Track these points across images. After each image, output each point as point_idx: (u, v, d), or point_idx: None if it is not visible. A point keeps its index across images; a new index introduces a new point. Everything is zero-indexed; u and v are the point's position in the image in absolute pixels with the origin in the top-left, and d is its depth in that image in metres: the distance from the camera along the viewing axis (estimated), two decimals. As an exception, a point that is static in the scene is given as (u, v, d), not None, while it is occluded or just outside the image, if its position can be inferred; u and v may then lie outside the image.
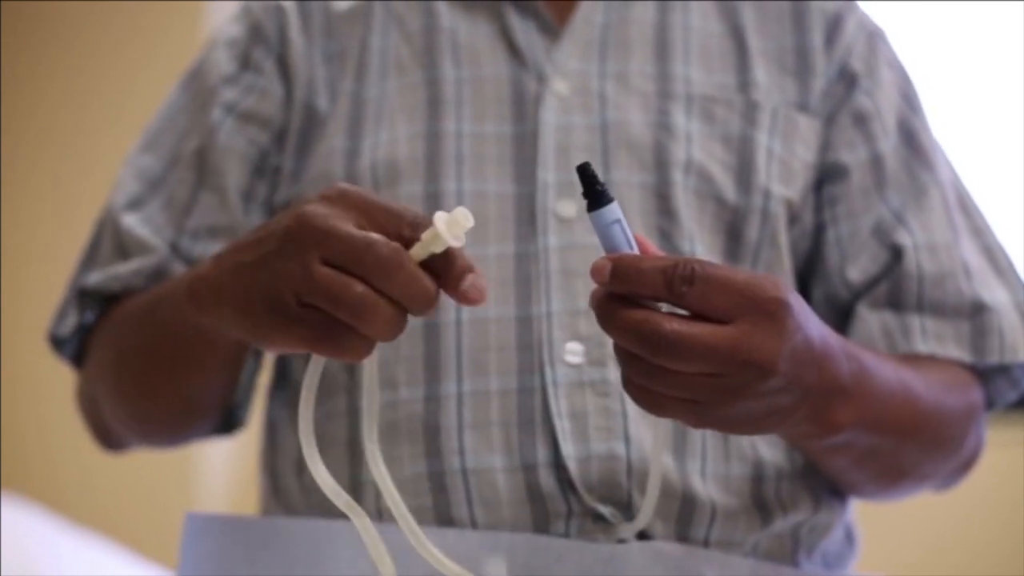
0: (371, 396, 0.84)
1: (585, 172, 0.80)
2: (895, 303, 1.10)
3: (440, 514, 1.00)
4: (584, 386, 1.01)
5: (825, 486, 1.08)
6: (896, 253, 1.10)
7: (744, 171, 1.08)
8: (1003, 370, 1.11)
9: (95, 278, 1.12)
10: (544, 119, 1.08)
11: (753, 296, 0.79)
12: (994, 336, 1.08)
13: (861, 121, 1.13)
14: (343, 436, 1.04)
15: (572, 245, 1.04)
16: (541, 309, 1.02)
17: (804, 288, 1.13)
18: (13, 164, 3.04)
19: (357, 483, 1.02)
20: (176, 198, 1.13)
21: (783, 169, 1.09)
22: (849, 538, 1.13)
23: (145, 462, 2.69)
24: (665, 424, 0.90)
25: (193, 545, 1.04)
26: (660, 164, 1.08)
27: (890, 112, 1.14)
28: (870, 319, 1.09)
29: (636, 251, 0.80)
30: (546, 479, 0.99)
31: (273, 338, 0.80)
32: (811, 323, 0.84)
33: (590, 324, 0.99)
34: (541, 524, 0.99)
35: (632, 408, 1.00)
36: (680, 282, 0.78)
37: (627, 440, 0.99)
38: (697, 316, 0.78)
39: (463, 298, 0.78)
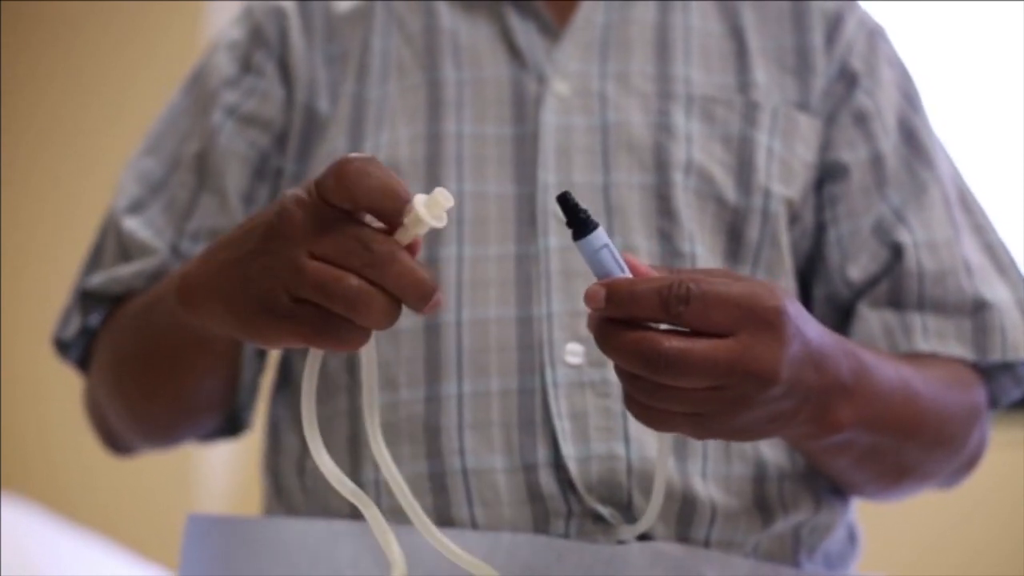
0: (370, 381, 0.84)
1: (567, 202, 0.80)
2: (896, 301, 1.09)
3: (440, 514, 1.00)
4: (584, 387, 1.01)
5: (826, 486, 1.08)
6: (896, 251, 1.10)
7: (744, 171, 1.08)
8: (1005, 368, 1.11)
9: (97, 280, 1.12)
10: (544, 120, 1.08)
11: (751, 308, 0.79)
12: (996, 334, 1.08)
13: (861, 120, 1.13)
14: (344, 436, 1.04)
15: (573, 246, 1.04)
16: (542, 310, 1.03)
17: (805, 288, 1.13)
18: (13, 164, 3.04)
19: (359, 483, 1.02)
20: (177, 201, 1.13)
21: (783, 169, 1.09)
22: (851, 538, 1.12)
23: (146, 462, 2.69)
24: (667, 436, 0.90)
25: (195, 546, 1.04)
26: (660, 165, 1.07)
27: (890, 111, 1.14)
28: (871, 318, 1.09)
29: (627, 273, 0.80)
30: (546, 479, 0.99)
31: (268, 335, 0.80)
32: (808, 325, 0.84)
33: (590, 325, 0.99)
34: (541, 524, 0.99)
35: (632, 409, 1.00)
36: (676, 302, 0.78)
37: (627, 441, 0.99)
38: (696, 332, 0.79)
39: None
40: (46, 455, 2.82)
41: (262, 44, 1.16)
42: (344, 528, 0.98)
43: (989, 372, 1.10)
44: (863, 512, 1.15)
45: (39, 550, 2.00)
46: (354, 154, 0.77)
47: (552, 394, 1.00)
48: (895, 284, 1.10)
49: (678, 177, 1.07)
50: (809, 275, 1.13)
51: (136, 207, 1.14)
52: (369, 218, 0.78)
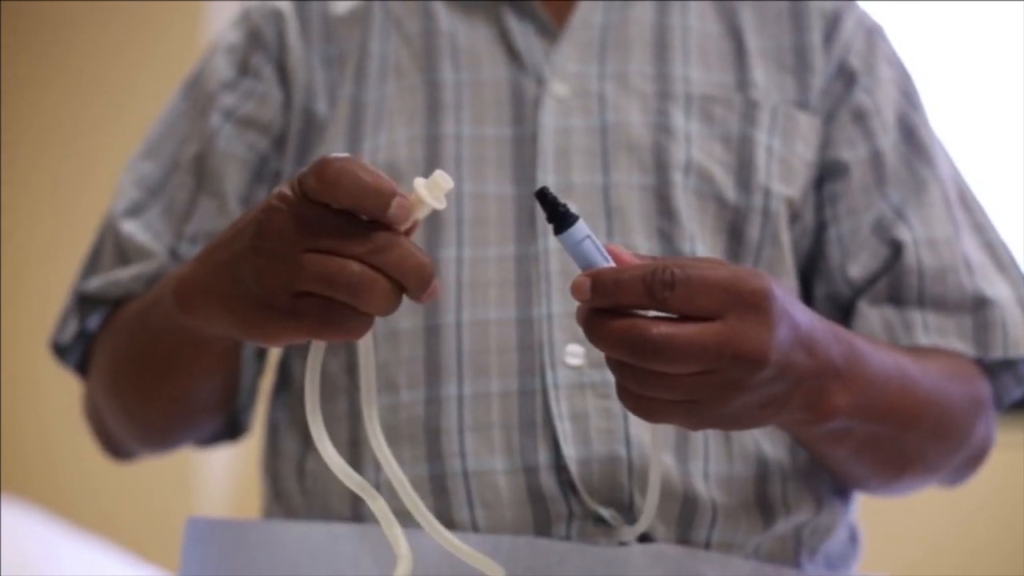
0: (369, 382, 0.84)
1: (544, 197, 0.80)
2: (896, 298, 1.09)
3: (441, 517, 0.99)
4: (585, 388, 1.01)
5: (828, 486, 1.08)
6: (896, 249, 1.10)
7: (744, 171, 1.08)
8: (1006, 366, 1.10)
9: (95, 284, 1.12)
10: (543, 122, 1.08)
11: (737, 291, 0.79)
12: (997, 330, 1.08)
13: (860, 118, 1.13)
14: (345, 439, 1.04)
15: (573, 247, 1.04)
16: (542, 311, 1.02)
17: (806, 287, 1.13)
18: (13, 165, 3.04)
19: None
20: (176, 204, 1.13)
21: (783, 168, 1.09)
22: (852, 539, 1.12)
23: (146, 465, 2.68)
24: (664, 426, 0.90)
25: (195, 550, 1.04)
26: (660, 165, 1.07)
27: (889, 108, 1.14)
28: (871, 315, 1.09)
29: (611, 263, 0.80)
30: (547, 481, 0.99)
31: (270, 333, 0.81)
32: (796, 309, 0.84)
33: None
34: (542, 526, 0.99)
35: (634, 411, 1.00)
36: (661, 287, 0.78)
37: (628, 442, 0.99)
38: (683, 317, 0.79)
39: (395, 221, 0.78)
40: (46, 457, 2.82)
41: (260, 47, 1.15)
42: (344, 530, 0.98)
43: (991, 370, 1.10)
44: (863, 512, 1.15)
45: (39, 552, 2.00)
46: (334, 155, 0.78)
47: (553, 395, 1.00)
48: (895, 281, 1.09)
49: (678, 177, 1.07)
50: (810, 274, 1.13)
51: (135, 210, 1.14)
52: None
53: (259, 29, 1.16)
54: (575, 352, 1.01)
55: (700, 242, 1.06)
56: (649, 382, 0.79)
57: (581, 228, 0.80)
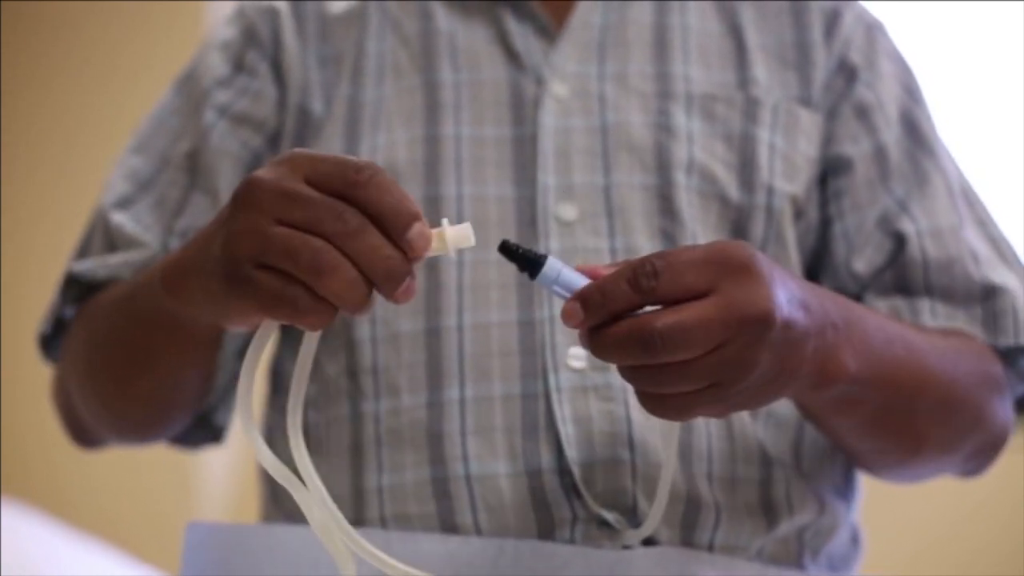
0: (302, 373, 0.82)
1: (507, 249, 0.80)
2: (902, 289, 1.09)
3: (444, 521, 0.99)
4: (588, 391, 1.00)
5: (830, 487, 1.07)
6: (899, 241, 1.10)
7: (747, 169, 1.08)
8: (1012, 363, 1.09)
9: (85, 265, 1.11)
10: (543, 122, 1.08)
11: (721, 260, 0.79)
12: (1008, 317, 1.07)
13: (863, 113, 1.13)
14: (345, 443, 1.04)
15: (574, 248, 1.04)
16: (544, 313, 1.02)
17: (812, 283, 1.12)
18: (14, 164, 3.03)
19: (360, 490, 1.02)
20: (167, 199, 1.13)
21: (786, 165, 1.09)
22: (854, 540, 1.12)
23: (146, 467, 2.69)
24: (674, 436, 0.90)
25: (195, 555, 1.03)
26: (662, 165, 1.07)
27: (892, 103, 1.14)
28: (878, 305, 1.08)
29: (589, 282, 0.80)
30: (551, 485, 0.99)
31: (230, 306, 0.80)
32: (785, 274, 0.83)
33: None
34: (546, 530, 0.98)
35: (637, 413, 1.00)
36: (647, 280, 0.78)
37: (631, 445, 0.99)
38: (677, 303, 0.78)
39: (410, 248, 0.77)
40: (46, 459, 2.81)
41: (255, 44, 1.15)
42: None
43: (1005, 359, 1.09)
44: (864, 513, 1.15)
45: (39, 554, 2.00)
46: (371, 161, 0.77)
47: (555, 399, 1.00)
48: (900, 273, 1.09)
49: (680, 177, 1.07)
50: (816, 270, 1.12)
51: (124, 203, 1.13)
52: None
53: (254, 26, 1.16)
54: (578, 355, 1.01)
55: (703, 241, 1.05)
56: (667, 378, 0.79)
57: (553, 265, 0.80)
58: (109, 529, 2.53)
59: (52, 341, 1.15)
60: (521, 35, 1.12)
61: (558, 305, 1.01)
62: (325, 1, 1.16)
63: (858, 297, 1.10)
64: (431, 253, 0.78)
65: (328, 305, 0.77)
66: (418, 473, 1.01)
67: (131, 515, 2.77)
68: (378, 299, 0.78)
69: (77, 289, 1.13)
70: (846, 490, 1.10)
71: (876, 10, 1.20)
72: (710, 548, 1.00)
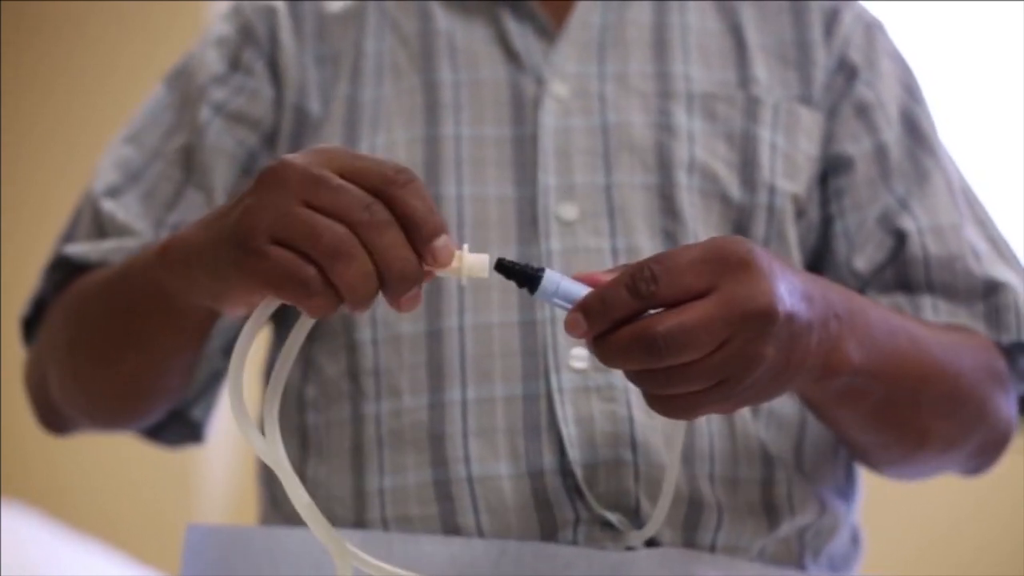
0: (284, 364, 0.81)
1: (503, 267, 0.80)
2: (904, 286, 1.09)
3: (446, 522, 0.99)
4: (590, 391, 1.00)
5: (831, 488, 1.07)
6: (900, 239, 1.09)
7: (748, 168, 1.08)
8: (1013, 362, 1.09)
9: (77, 248, 1.10)
10: (543, 122, 1.08)
11: (720, 257, 0.79)
12: (1010, 313, 1.07)
13: (863, 112, 1.13)
14: (347, 445, 1.04)
15: (575, 248, 1.04)
16: (545, 314, 1.02)
17: None
18: (14, 164, 3.03)
19: (362, 492, 1.02)
20: (158, 192, 1.12)
21: (787, 164, 1.09)
22: (854, 540, 1.12)
23: (146, 468, 2.69)
24: (679, 439, 0.90)
25: (195, 557, 1.03)
26: (663, 165, 1.07)
27: (892, 102, 1.14)
28: (880, 301, 1.08)
29: (590, 290, 0.80)
30: (553, 486, 0.98)
31: (234, 277, 0.78)
32: (784, 266, 0.83)
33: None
34: (548, 532, 0.98)
35: (639, 413, 1.00)
36: (646, 285, 0.77)
37: (634, 446, 0.99)
38: (679, 304, 0.78)
39: (432, 256, 0.77)
40: (46, 460, 2.82)
41: (252, 42, 1.15)
42: (345, 537, 0.98)
43: (1008, 355, 1.08)
44: (864, 513, 1.15)
45: (39, 556, 2.00)
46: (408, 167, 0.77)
47: (557, 399, 1.00)
48: (901, 271, 1.09)
49: (681, 176, 1.07)
50: (817, 269, 1.12)
51: (114, 192, 1.12)
52: None
53: (251, 24, 1.15)
54: (579, 355, 1.01)
55: (704, 241, 1.05)
56: (673, 379, 0.78)
57: (551, 276, 0.80)
58: (109, 530, 2.53)
59: (32, 325, 1.14)
60: (521, 35, 1.12)
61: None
62: (323, 0, 1.16)
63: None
64: (444, 272, 0.78)
65: (334, 294, 0.76)
66: (420, 475, 1.01)
67: (131, 516, 2.77)
68: (380, 301, 0.77)
69: (61, 273, 1.12)
70: (847, 490, 1.10)
71: (876, 10, 1.20)
72: (712, 549, 1.00)
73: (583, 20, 1.13)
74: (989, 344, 1.07)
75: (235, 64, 1.14)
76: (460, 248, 0.79)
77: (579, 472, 0.98)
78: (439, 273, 0.78)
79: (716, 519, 1.00)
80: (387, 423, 1.02)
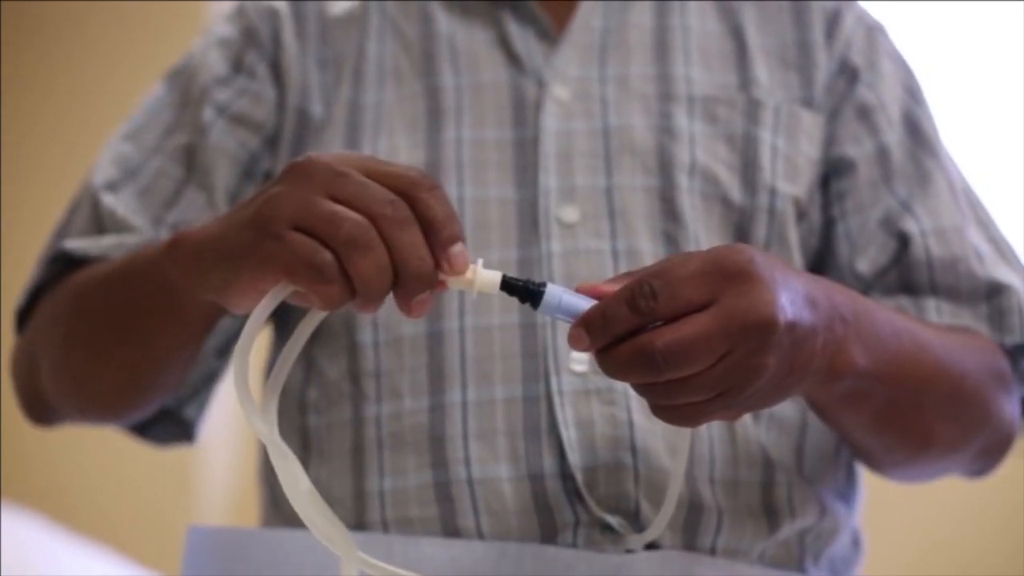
0: (290, 354, 0.82)
1: (506, 284, 0.80)
2: (908, 288, 1.09)
3: (446, 524, 0.99)
4: (590, 394, 1.00)
5: (832, 491, 1.07)
6: (903, 241, 1.09)
7: (749, 170, 1.08)
8: (1017, 363, 1.09)
9: (78, 244, 1.10)
10: (545, 125, 1.08)
11: (719, 270, 0.79)
12: (1014, 315, 1.07)
13: (865, 114, 1.13)
14: (347, 446, 1.04)
15: (575, 250, 1.04)
16: (545, 316, 1.02)
17: None
18: (15, 164, 3.04)
19: (362, 494, 1.02)
20: (156, 189, 1.12)
21: (788, 166, 1.09)
22: (855, 543, 1.12)
23: (146, 470, 2.69)
24: (684, 446, 0.90)
25: (196, 559, 1.03)
26: (664, 167, 1.07)
27: (894, 104, 1.14)
28: (883, 303, 1.08)
29: (593, 303, 0.80)
30: (553, 489, 0.98)
31: (249, 262, 0.78)
32: (786, 271, 0.83)
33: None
34: (548, 534, 0.98)
35: (639, 417, 1.00)
36: (645, 301, 0.77)
37: (634, 449, 0.99)
38: (680, 317, 0.78)
39: (448, 262, 0.77)
40: (46, 463, 2.82)
41: (254, 44, 1.15)
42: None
43: (1011, 357, 1.08)
44: (865, 516, 1.15)
45: (39, 557, 2.00)
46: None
47: (558, 402, 1.00)
48: (904, 273, 1.09)
49: (682, 179, 1.07)
50: (819, 272, 1.11)
51: (113, 187, 1.12)
52: None
53: (254, 26, 1.15)
54: (580, 358, 1.01)
55: (706, 244, 1.05)
56: (676, 391, 0.79)
57: (553, 292, 0.80)
58: (109, 532, 2.53)
59: (25, 316, 1.13)
60: (522, 38, 1.12)
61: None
62: (325, 2, 1.16)
63: None
64: (456, 283, 0.79)
65: (348, 285, 0.76)
66: (420, 477, 1.00)
67: (131, 518, 2.77)
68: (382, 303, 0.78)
69: (58, 265, 1.11)
70: (847, 493, 1.10)
71: (876, 10, 1.19)
72: (712, 552, 1.00)
73: (585, 23, 1.13)
74: (992, 346, 1.07)
75: (238, 66, 1.14)
76: (475, 262, 0.79)
77: (579, 475, 0.98)
78: (451, 284, 0.79)
79: (716, 522, 1.00)
80: (388, 425, 1.02)
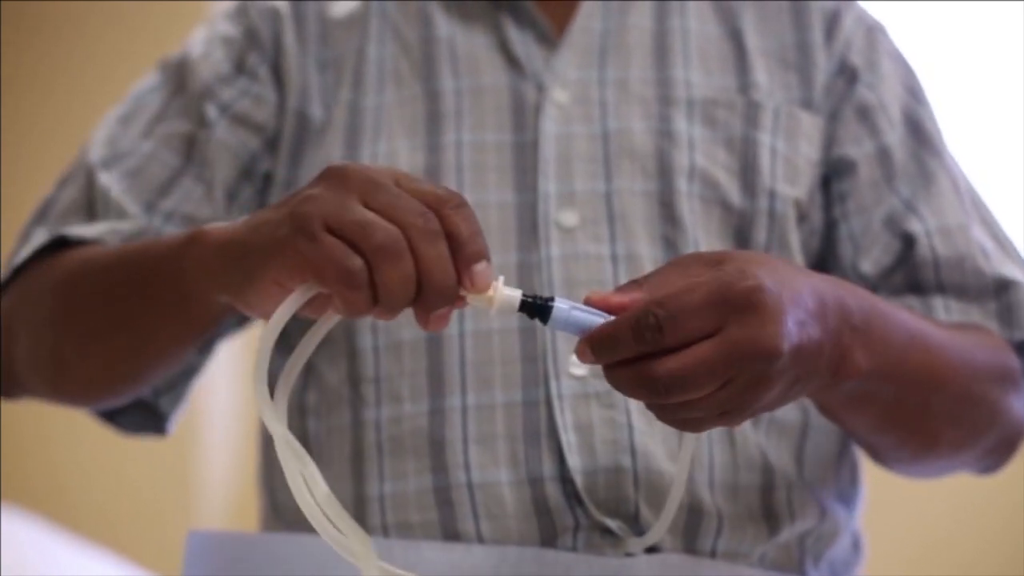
0: (298, 361, 0.83)
1: (525, 306, 0.80)
2: (915, 288, 1.09)
3: (446, 529, 0.99)
4: (589, 398, 1.00)
5: (832, 494, 1.08)
6: (908, 242, 1.09)
7: (749, 174, 1.08)
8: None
9: (75, 230, 1.08)
10: (544, 128, 1.08)
11: (725, 300, 0.78)
12: (1022, 310, 1.07)
13: (865, 115, 1.12)
14: (347, 451, 1.04)
15: (575, 255, 1.04)
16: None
17: None
18: (14, 164, 3.04)
19: (362, 498, 1.02)
20: (149, 174, 1.11)
21: (788, 168, 1.09)
22: (855, 546, 1.12)
23: (146, 471, 2.69)
24: (687, 451, 0.90)
25: (196, 563, 1.03)
26: (663, 171, 1.07)
27: (894, 104, 1.13)
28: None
29: (601, 316, 0.80)
30: (553, 493, 0.98)
31: (278, 258, 0.79)
32: (796, 285, 0.83)
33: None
34: (548, 538, 0.98)
35: (638, 420, 1.00)
36: (651, 334, 0.77)
37: (633, 453, 0.99)
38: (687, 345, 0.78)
39: (471, 279, 0.78)
40: (46, 465, 2.82)
41: (256, 46, 1.15)
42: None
43: (1020, 352, 1.08)
44: (864, 518, 1.15)
45: (39, 559, 2.00)
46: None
47: (557, 406, 1.00)
48: (911, 273, 1.09)
49: (682, 183, 1.07)
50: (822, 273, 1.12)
51: (106, 165, 1.11)
52: None
53: (256, 27, 1.15)
54: (579, 362, 1.01)
55: (705, 248, 1.05)
56: (680, 411, 0.80)
57: (560, 305, 0.80)
58: (108, 533, 2.53)
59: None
60: (521, 42, 1.12)
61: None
62: (326, 2, 1.16)
63: None
64: (476, 301, 0.79)
65: (371, 294, 0.77)
66: (420, 481, 1.00)
67: (130, 519, 2.77)
68: None
69: (47, 243, 1.09)
70: (848, 496, 1.10)
71: (877, 11, 1.19)
72: (712, 555, 1.00)
73: (584, 26, 1.13)
74: (1002, 343, 1.07)
75: (240, 67, 1.14)
76: (497, 279, 0.80)
77: (579, 479, 0.98)
78: (470, 301, 0.79)
79: (716, 525, 1.00)
80: (387, 429, 1.02)
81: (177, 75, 1.16)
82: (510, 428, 1.00)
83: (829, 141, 1.12)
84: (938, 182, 1.11)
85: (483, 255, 0.78)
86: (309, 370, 1.07)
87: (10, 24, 3.06)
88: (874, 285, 1.09)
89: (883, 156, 1.12)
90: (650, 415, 0.97)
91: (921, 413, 1.00)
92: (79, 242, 1.08)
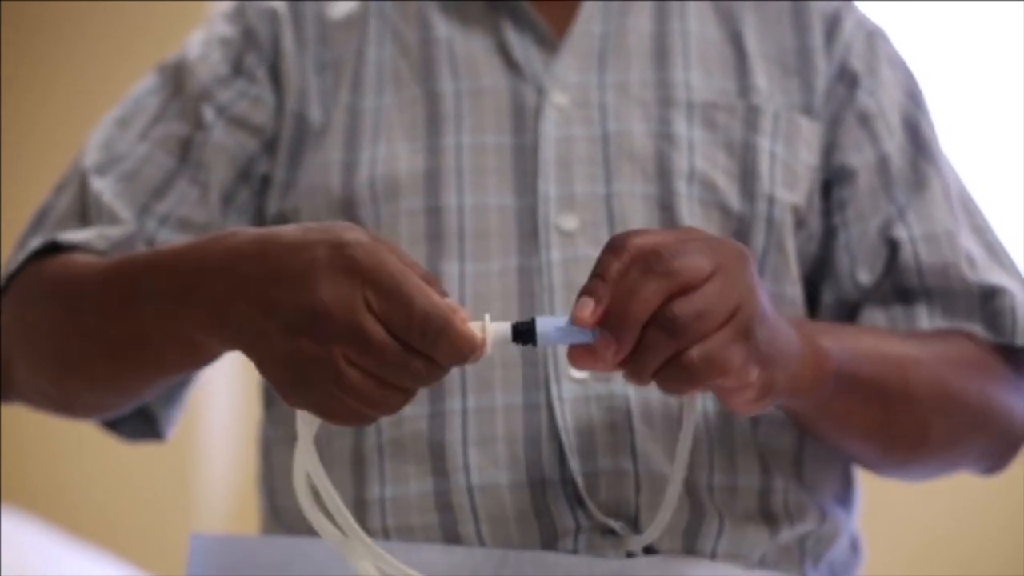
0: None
1: (517, 333, 0.83)
2: (900, 296, 1.09)
3: (447, 532, 0.99)
4: (590, 401, 1.00)
5: (831, 496, 1.08)
6: (893, 248, 1.09)
7: (748, 178, 1.08)
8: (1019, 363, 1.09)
9: (67, 236, 1.07)
10: (544, 131, 1.08)
11: (711, 249, 0.83)
12: (1007, 316, 1.06)
13: (865, 121, 1.12)
14: (347, 454, 1.03)
15: (575, 258, 1.04)
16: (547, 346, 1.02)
17: (814, 293, 1.12)
18: (14, 164, 3.04)
19: (362, 502, 1.02)
20: (143, 177, 1.10)
21: (787, 173, 1.09)
22: (854, 547, 1.12)
23: (146, 473, 2.69)
24: (684, 449, 0.90)
25: (199, 566, 1.03)
26: (663, 174, 1.07)
27: (894, 110, 1.13)
28: (875, 314, 1.08)
29: (584, 333, 0.82)
30: (553, 495, 0.98)
31: (295, 387, 0.83)
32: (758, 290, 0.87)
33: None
34: (549, 540, 0.98)
35: (639, 423, 1.00)
36: (657, 262, 0.82)
37: (634, 455, 0.99)
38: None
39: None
40: (46, 467, 2.82)
41: (254, 47, 1.14)
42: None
43: (1011, 356, 1.08)
44: (863, 520, 1.15)
45: (39, 562, 1.99)
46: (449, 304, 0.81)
47: (558, 409, 1.00)
48: (896, 280, 1.09)
49: (681, 186, 1.07)
50: (818, 280, 1.12)
51: (100, 170, 1.10)
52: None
53: (254, 28, 1.15)
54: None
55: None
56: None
57: (544, 323, 0.83)
58: (109, 535, 2.53)
59: None
60: (521, 45, 1.12)
61: (560, 315, 1.01)
62: (324, 2, 1.16)
63: (857, 307, 1.10)
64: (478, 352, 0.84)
65: (410, 394, 0.83)
66: (420, 484, 1.00)
67: (131, 521, 2.77)
68: None
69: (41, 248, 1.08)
70: (846, 498, 1.10)
71: (876, 11, 1.19)
72: (713, 556, 1.00)
73: (584, 29, 1.12)
74: (988, 348, 1.06)
75: (238, 68, 1.14)
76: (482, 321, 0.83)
77: (580, 481, 0.98)
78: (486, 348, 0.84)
79: (717, 527, 1.00)
80: (387, 432, 1.02)
81: (174, 77, 1.15)
82: (510, 431, 1.00)
83: (829, 147, 1.12)
84: (930, 189, 1.11)
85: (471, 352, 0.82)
86: None
87: (10, 24, 3.06)
88: (869, 294, 1.09)
89: (882, 164, 1.11)
90: (651, 417, 0.98)
91: (907, 419, 1.01)
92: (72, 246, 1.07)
